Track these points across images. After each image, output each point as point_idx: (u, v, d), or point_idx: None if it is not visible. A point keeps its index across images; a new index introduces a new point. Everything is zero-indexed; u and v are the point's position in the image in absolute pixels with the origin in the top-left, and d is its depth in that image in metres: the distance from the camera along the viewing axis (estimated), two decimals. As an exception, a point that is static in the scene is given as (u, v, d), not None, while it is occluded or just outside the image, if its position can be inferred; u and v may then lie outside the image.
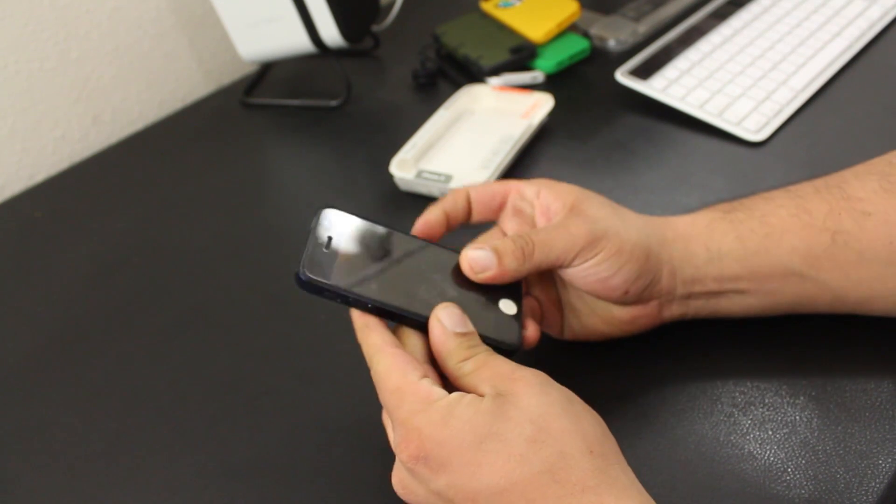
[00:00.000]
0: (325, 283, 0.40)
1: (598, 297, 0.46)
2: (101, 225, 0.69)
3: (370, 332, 0.41)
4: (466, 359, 0.39)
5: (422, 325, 0.41)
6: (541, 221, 0.46)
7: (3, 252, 0.68)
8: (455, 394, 0.37)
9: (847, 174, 0.47)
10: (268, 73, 0.86)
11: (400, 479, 0.39)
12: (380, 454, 0.46)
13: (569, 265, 0.44)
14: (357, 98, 0.81)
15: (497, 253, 0.43)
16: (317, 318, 0.57)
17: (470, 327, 0.41)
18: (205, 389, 0.53)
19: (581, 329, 0.48)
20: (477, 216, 0.48)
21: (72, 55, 0.79)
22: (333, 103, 0.80)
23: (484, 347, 0.40)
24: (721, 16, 0.81)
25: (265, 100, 0.82)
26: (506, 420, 0.35)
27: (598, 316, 0.47)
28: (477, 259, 0.43)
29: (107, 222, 0.69)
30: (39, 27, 0.76)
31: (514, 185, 0.48)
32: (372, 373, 0.40)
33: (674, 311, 0.47)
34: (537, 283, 0.47)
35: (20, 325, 0.60)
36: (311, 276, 0.40)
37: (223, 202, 0.70)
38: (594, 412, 0.37)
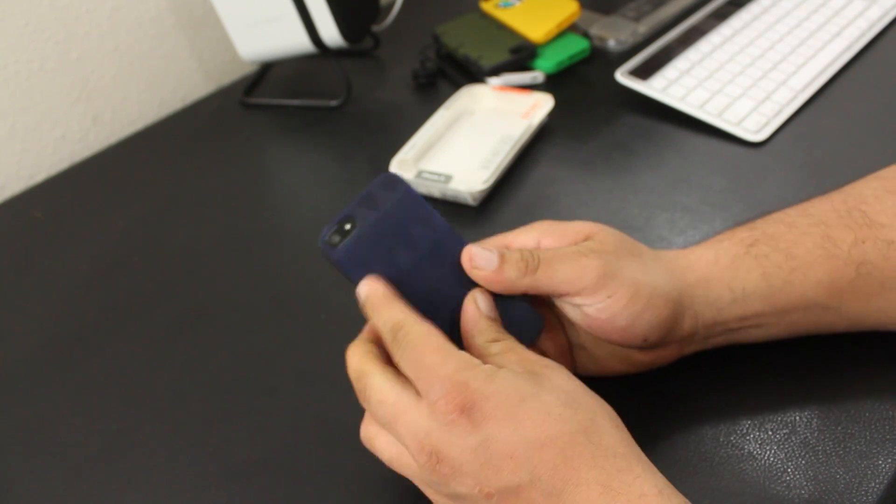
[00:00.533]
0: (408, 185, 0.43)
1: (617, 344, 0.44)
2: (101, 225, 0.69)
3: (397, 301, 0.40)
4: (495, 340, 0.40)
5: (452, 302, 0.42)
6: None
7: (3, 252, 0.68)
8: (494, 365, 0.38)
9: (865, 192, 0.46)
10: (268, 73, 0.86)
11: (427, 440, 0.37)
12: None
13: (574, 297, 0.42)
14: (357, 98, 0.81)
15: (501, 258, 0.42)
16: (317, 318, 0.57)
17: (497, 317, 0.42)
18: (205, 389, 0.53)
19: (596, 368, 0.46)
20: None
21: (72, 55, 0.79)
22: (333, 103, 0.80)
23: (510, 336, 0.41)
24: (721, 16, 0.81)
25: (265, 100, 0.82)
26: (542, 387, 0.37)
27: (615, 357, 0.46)
28: (478, 255, 0.42)
29: (107, 222, 0.69)
30: (39, 27, 0.76)
31: (509, 240, 0.45)
32: (401, 335, 0.39)
33: (695, 347, 0.46)
34: (544, 332, 0.46)
35: (20, 325, 0.60)
36: (398, 174, 0.43)
37: (223, 202, 0.70)
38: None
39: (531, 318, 0.44)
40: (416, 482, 0.40)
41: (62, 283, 0.63)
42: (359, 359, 0.40)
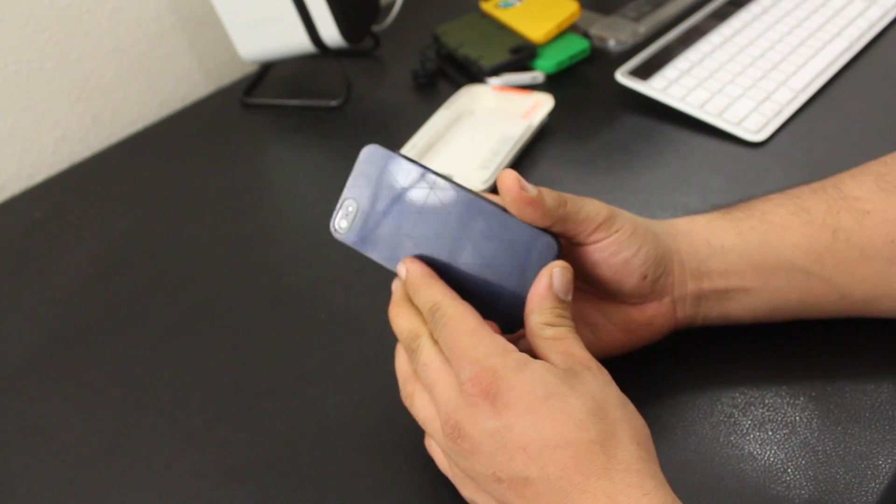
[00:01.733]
0: (389, 152, 0.44)
1: (619, 284, 0.45)
2: (101, 225, 0.69)
3: (435, 281, 0.42)
4: (551, 325, 0.40)
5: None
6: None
7: (3, 252, 0.68)
8: (527, 356, 0.39)
9: (843, 175, 0.48)
10: (268, 73, 0.86)
11: (454, 414, 0.38)
12: (380, 454, 0.46)
13: (589, 235, 0.44)
14: (357, 98, 0.81)
15: (538, 188, 0.43)
16: (317, 318, 0.57)
17: (569, 298, 0.42)
18: (205, 389, 0.53)
19: (598, 343, 0.47)
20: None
21: (72, 55, 0.79)
22: (333, 103, 0.80)
23: (570, 323, 0.41)
24: (721, 16, 0.81)
25: (265, 100, 0.82)
26: (572, 389, 0.37)
27: (614, 325, 0.47)
28: (521, 178, 0.43)
29: (107, 222, 0.69)
30: (39, 27, 0.76)
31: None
32: (438, 315, 0.40)
33: (687, 311, 0.47)
34: None
35: (20, 325, 0.60)
36: (376, 145, 0.44)
37: (223, 202, 0.70)
38: (644, 421, 0.39)
39: (543, 238, 0.43)
40: (441, 449, 0.41)
41: (62, 283, 0.63)
42: (416, 322, 0.42)
